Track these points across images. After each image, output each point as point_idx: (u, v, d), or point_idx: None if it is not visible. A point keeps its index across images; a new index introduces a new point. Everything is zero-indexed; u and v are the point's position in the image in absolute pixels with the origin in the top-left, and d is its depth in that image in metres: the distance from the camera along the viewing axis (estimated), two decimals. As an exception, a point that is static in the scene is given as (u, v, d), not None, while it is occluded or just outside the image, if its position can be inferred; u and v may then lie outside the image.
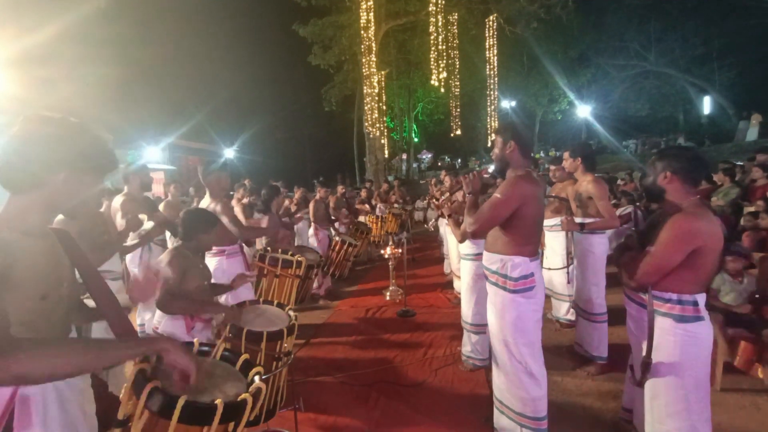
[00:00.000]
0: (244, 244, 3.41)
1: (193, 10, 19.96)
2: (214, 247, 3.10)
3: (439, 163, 31.40)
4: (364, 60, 14.01)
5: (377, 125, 15.32)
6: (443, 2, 13.66)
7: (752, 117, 16.08)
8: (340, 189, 6.96)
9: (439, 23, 13.77)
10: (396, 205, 8.86)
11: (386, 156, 19.53)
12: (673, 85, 22.47)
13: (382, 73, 16.14)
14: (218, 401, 1.13)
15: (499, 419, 2.23)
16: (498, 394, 2.22)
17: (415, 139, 30.16)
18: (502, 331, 2.13)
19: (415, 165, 30.28)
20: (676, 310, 1.72)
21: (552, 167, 3.91)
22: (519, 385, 2.09)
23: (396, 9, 15.79)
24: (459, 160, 31.76)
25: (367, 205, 8.08)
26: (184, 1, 18.82)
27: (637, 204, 6.36)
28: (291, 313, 2.33)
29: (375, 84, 14.34)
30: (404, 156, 27.97)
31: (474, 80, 20.51)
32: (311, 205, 5.68)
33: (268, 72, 26.06)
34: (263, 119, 24.57)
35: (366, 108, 14.99)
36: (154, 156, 14.85)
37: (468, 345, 3.23)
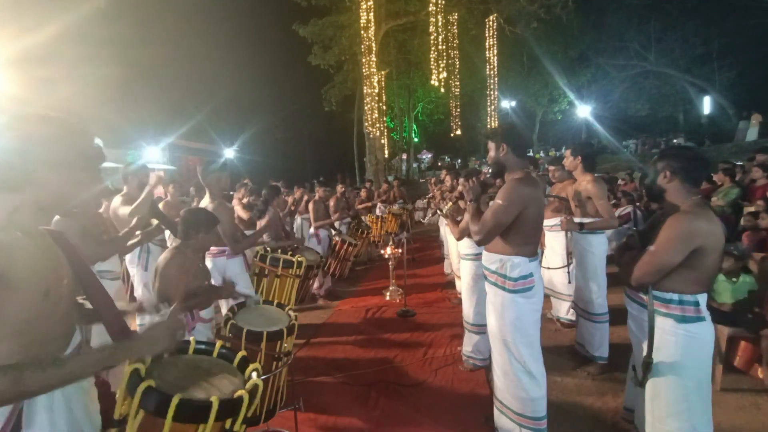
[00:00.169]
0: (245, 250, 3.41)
1: (193, 10, 19.96)
2: (215, 248, 3.10)
3: (439, 163, 31.42)
4: (364, 60, 14.02)
5: (377, 125, 15.33)
6: (443, 2, 13.66)
7: (752, 117, 16.09)
8: (339, 188, 6.94)
9: (439, 23, 13.77)
10: (396, 205, 8.86)
11: (386, 156, 19.54)
12: (673, 85, 22.49)
13: (382, 73, 16.15)
14: (213, 398, 1.13)
15: (499, 419, 2.23)
16: (498, 394, 2.22)
17: (415, 139, 30.17)
18: (502, 331, 2.13)
19: (415, 165, 30.29)
20: (677, 310, 1.72)
21: (551, 167, 3.91)
22: (518, 385, 2.09)
23: (396, 9, 15.80)
24: (459, 160, 31.75)
25: (368, 204, 8.08)
26: (184, 1, 18.82)
27: (637, 204, 6.37)
28: (291, 313, 2.33)
29: (375, 84, 14.35)
30: (404, 156, 27.98)
31: (474, 80, 20.52)
32: (311, 206, 5.68)
33: (268, 72, 26.06)
34: (263, 119, 24.56)
35: (366, 108, 14.99)
36: (154, 156, 14.85)
37: (469, 345, 3.23)
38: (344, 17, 15.67)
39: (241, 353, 1.44)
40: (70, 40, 9.89)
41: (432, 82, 14.47)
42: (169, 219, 2.87)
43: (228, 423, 1.21)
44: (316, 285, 4.95)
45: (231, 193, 6.30)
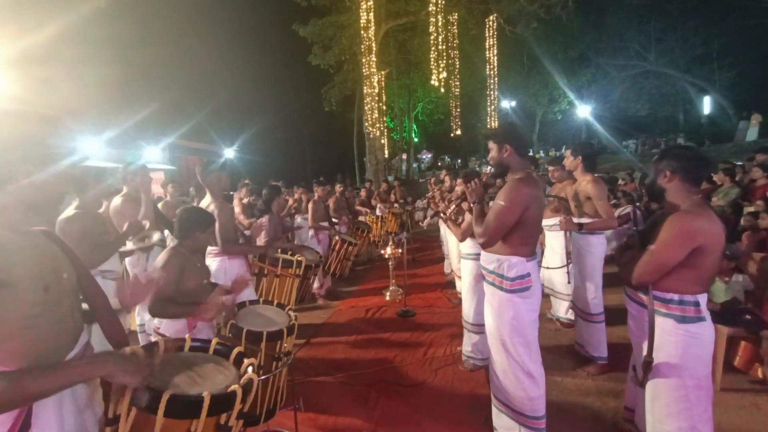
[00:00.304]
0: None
1: (193, 10, 19.96)
2: (215, 248, 3.10)
3: (439, 163, 31.41)
4: (364, 60, 14.01)
5: (377, 125, 15.32)
6: (443, 2, 13.66)
7: (752, 117, 16.08)
8: (338, 188, 6.93)
9: (439, 23, 13.76)
10: (396, 205, 8.86)
11: (386, 156, 19.53)
12: (673, 85, 22.49)
13: (382, 73, 16.14)
14: (205, 393, 1.13)
15: (498, 418, 2.23)
16: (496, 393, 2.22)
17: (415, 139, 30.15)
18: (500, 331, 2.14)
19: (415, 165, 30.28)
20: (678, 310, 1.72)
21: (551, 167, 3.91)
22: (517, 385, 2.09)
23: (396, 9, 15.79)
24: (459, 160, 31.74)
25: (366, 209, 8.07)
26: (184, 1, 18.81)
27: (637, 204, 6.37)
28: (291, 313, 2.33)
29: (375, 84, 14.34)
30: (404, 156, 27.97)
31: (474, 80, 20.51)
32: (310, 206, 5.68)
33: (268, 72, 26.02)
34: (263, 119, 24.53)
35: (366, 108, 14.99)
36: (154, 156, 14.83)
37: (469, 345, 3.23)
38: (344, 17, 15.67)
39: (238, 349, 1.44)
40: (70, 40, 9.89)
41: (432, 82, 14.46)
42: (168, 219, 2.88)
43: (223, 418, 1.20)
44: (316, 285, 4.95)
45: (231, 193, 6.30)
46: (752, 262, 3.23)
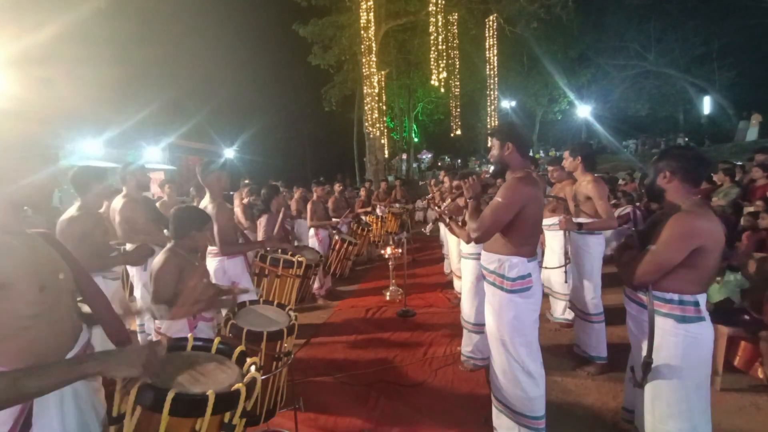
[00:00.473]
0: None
1: (193, 9, 19.95)
2: (214, 248, 3.10)
3: (439, 163, 31.37)
4: (364, 60, 14.02)
5: (377, 125, 15.32)
6: (443, 2, 13.66)
7: (752, 117, 16.06)
8: (337, 187, 6.91)
9: (439, 23, 13.76)
10: (396, 205, 8.86)
11: (386, 156, 19.53)
12: (673, 85, 22.48)
13: (382, 73, 16.14)
14: (209, 392, 1.13)
15: (498, 418, 2.23)
16: (496, 393, 2.22)
17: (415, 139, 30.14)
18: (500, 331, 2.14)
19: (415, 165, 30.26)
20: (678, 310, 1.72)
21: (550, 168, 3.91)
22: (517, 385, 2.09)
23: (396, 9, 15.79)
24: (459, 160, 31.73)
25: (367, 209, 8.07)
26: (184, 1, 18.81)
27: (637, 204, 6.37)
28: (291, 313, 2.33)
29: (375, 84, 14.34)
30: (404, 156, 27.96)
31: (474, 80, 20.49)
32: (309, 206, 5.68)
33: (268, 72, 26.00)
34: (263, 119, 24.52)
35: (366, 108, 14.99)
36: (154, 156, 14.82)
37: (470, 345, 3.23)
38: (344, 17, 15.67)
39: (240, 348, 1.45)
40: (70, 40, 9.89)
41: (432, 82, 14.46)
42: (168, 219, 2.87)
43: (227, 417, 1.21)
44: (316, 285, 4.95)
45: (231, 193, 6.29)
46: (751, 262, 3.23)
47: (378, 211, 8.42)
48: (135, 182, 3.45)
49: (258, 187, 4.98)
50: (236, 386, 1.22)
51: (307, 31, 16.32)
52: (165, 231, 3.53)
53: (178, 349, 1.45)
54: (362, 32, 13.38)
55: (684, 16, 20.37)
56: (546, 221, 3.67)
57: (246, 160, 20.71)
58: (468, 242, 3.13)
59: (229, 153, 19.74)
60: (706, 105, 22.04)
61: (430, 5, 13.49)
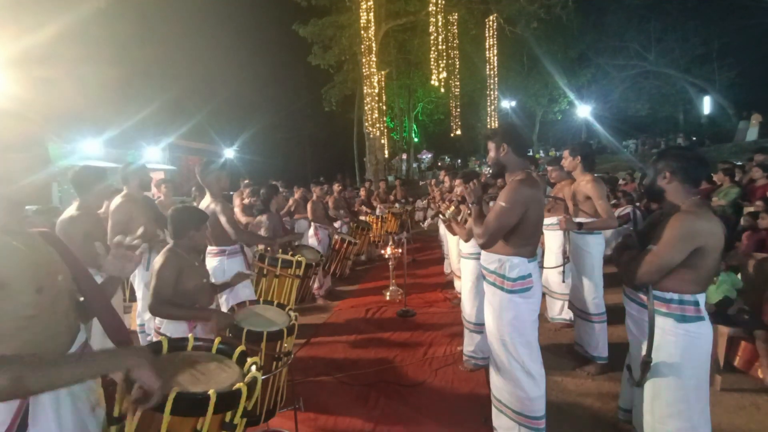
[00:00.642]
0: (244, 244, 3.40)
1: (193, 10, 19.97)
2: (214, 247, 3.10)
3: (439, 163, 31.37)
4: (364, 60, 14.03)
5: (377, 125, 15.34)
6: (443, 2, 13.67)
7: (752, 117, 16.06)
8: (336, 187, 6.91)
9: (439, 23, 13.78)
10: (396, 205, 8.86)
11: (386, 156, 19.54)
12: (673, 85, 22.49)
13: (382, 73, 16.15)
14: (211, 392, 1.13)
15: (498, 418, 2.23)
16: (496, 394, 2.22)
17: (415, 139, 30.15)
18: (500, 331, 2.14)
19: (415, 165, 30.28)
20: (677, 310, 1.72)
21: (549, 168, 3.92)
22: (517, 385, 2.09)
23: (396, 9, 15.81)
24: (459, 161, 31.73)
25: (368, 209, 8.07)
26: (184, 1, 18.82)
27: (637, 204, 6.37)
28: (291, 313, 2.33)
29: (375, 84, 14.35)
30: (404, 156, 27.98)
31: (474, 80, 20.52)
32: (309, 206, 5.68)
33: (268, 72, 26.05)
34: (263, 119, 24.55)
35: (366, 108, 15.00)
36: (154, 156, 14.84)
37: (471, 345, 3.23)
38: (344, 17, 15.68)
39: (240, 348, 1.45)
40: (70, 40, 9.90)
41: (432, 82, 14.48)
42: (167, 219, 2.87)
43: (228, 416, 1.21)
44: (316, 285, 4.95)
45: (231, 193, 6.29)
46: (751, 262, 3.23)
47: (378, 211, 8.42)
48: (137, 182, 3.45)
49: (258, 187, 4.98)
50: (237, 386, 1.22)
51: (307, 31, 16.34)
52: (167, 233, 3.54)
53: (179, 349, 1.45)
54: (362, 32, 13.39)
55: (684, 16, 20.39)
56: (545, 221, 3.67)
57: (246, 160, 20.73)
58: (466, 240, 3.13)
59: (229, 153, 19.75)
60: (706, 105, 22.05)
61: (430, 5, 13.50)
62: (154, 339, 2.24)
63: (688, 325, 1.71)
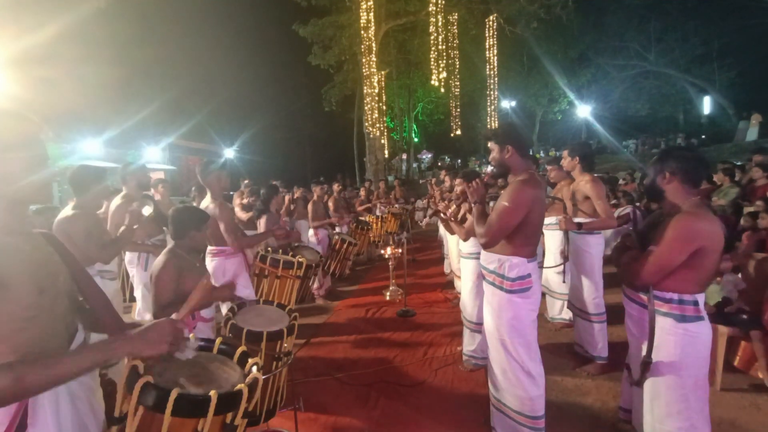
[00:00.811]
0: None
1: (193, 9, 19.97)
2: (214, 248, 3.10)
3: (439, 163, 31.36)
4: (364, 60, 14.02)
5: (377, 125, 15.33)
6: (443, 2, 13.67)
7: (752, 117, 16.08)
8: (336, 187, 6.90)
9: (439, 23, 13.77)
10: (396, 205, 8.86)
11: (386, 156, 19.54)
12: (673, 85, 22.50)
13: (382, 73, 16.15)
14: (212, 392, 1.13)
15: (497, 418, 2.23)
16: (495, 393, 2.22)
17: (415, 139, 30.15)
18: (499, 331, 2.14)
19: (415, 165, 30.27)
20: (677, 310, 1.73)
21: (548, 167, 3.92)
22: (516, 384, 2.09)
23: (396, 9, 15.80)
24: (459, 161, 31.73)
25: (368, 207, 8.07)
26: (184, 1, 18.82)
27: (637, 204, 6.37)
28: (291, 313, 2.33)
29: (375, 84, 14.35)
30: (404, 156, 27.97)
31: (474, 80, 20.51)
32: (309, 206, 5.68)
33: (268, 72, 26.03)
34: (263, 119, 24.53)
35: (366, 108, 14.99)
36: (154, 156, 14.83)
37: (473, 344, 3.23)
38: (344, 17, 15.67)
39: (241, 348, 1.45)
40: (70, 40, 9.91)
41: (432, 82, 14.47)
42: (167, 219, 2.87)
43: (228, 417, 1.21)
44: (316, 285, 4.95)
45: (231, 193, 6.29)
46: (751, 262, 3.23)
47: (378, 211, 8.42)
48: (135, 182, 3.45)
49: (257, 187, 4.98)
50: (238, 387, 1.22)
51: (307, 31, 16.34)
52: (167, 233, 3.54)
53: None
54: (362, 32, 13.38)
55: (684, 16, 20.40)
56: (545, 220, 3.68)
57: (246, 160, 20.73)
58: (465, 239, 3.12)
59: (229, 153, 19.75)
60: (706, 105, 22.06)
61: (430, 5, 13.49)
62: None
63: (687, 325, 1.71)
